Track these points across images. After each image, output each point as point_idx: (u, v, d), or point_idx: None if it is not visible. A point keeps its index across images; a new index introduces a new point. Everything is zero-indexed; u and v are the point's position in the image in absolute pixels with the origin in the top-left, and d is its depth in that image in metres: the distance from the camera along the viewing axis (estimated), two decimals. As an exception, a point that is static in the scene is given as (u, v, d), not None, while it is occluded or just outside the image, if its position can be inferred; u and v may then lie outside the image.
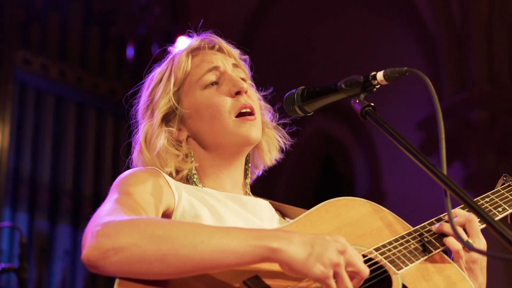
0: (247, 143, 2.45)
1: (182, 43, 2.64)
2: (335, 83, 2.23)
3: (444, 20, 9.39)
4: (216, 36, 2.59)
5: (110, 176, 8.40)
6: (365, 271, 1.89)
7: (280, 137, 2.63)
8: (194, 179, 2.45)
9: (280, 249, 1.83)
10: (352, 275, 1.88)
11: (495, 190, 2.54)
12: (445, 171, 1.95)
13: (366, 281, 1.98)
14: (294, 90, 2.35)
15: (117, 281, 1.84)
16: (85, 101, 8.84)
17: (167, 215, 2.23)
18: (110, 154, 8.74)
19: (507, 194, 2.52)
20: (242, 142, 2.44)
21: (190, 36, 2.61)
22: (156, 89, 2.52)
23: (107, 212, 1.99)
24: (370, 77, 2.16)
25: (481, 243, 2.27)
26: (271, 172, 2.70)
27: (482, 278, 2.32)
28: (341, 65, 9.56)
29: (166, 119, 2.49)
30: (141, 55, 9.34)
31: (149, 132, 2.47)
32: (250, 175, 2.59)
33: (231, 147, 2.45)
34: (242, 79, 2.53)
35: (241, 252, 1.83)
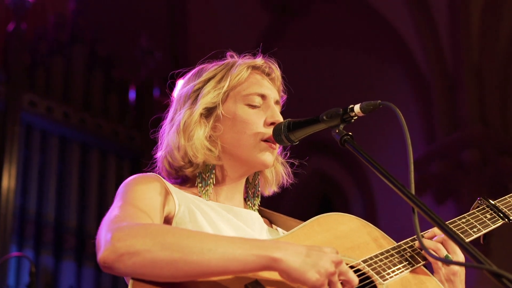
0: (262, 167, 2.59)
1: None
2: (317, 115, 2.42)
3: (436, 63, 9.60)
4: (277, 67, 2.73)
5: (113, 215, 8.39)
6: (355, 280, 2.08)
7: (285, 173, 2.75)
8: (210, 176, 2.56)
9: (280, 259, 2.00)
10: (343, 284, 2.06)
11: (471, 212, 2.70)
12: (413, 191, 2.19)
13: None
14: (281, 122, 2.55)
15: (131, 281, 2.03)
16: (88, 142, 8.95)
17: (167, 220, 2.38)
18: (113, 194, 8.74)
19: (481, 216, 2.66)
20: (257, 165, 2.58)
21: (254, 55, 2.73)
22: (208, 82, 2.62)
23: (119, 217, 2.17)
24: (348, 109, 2.35)
25: (459, 258, 2.45)
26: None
27: None
28: (334, 103, 9.74)
29: (205, 114, 2.59)
30: (142, 98, 9.48)
31: (188, 119, 2.56)
32: (257, 194, 2.70)
33: (246, 164, 2.58)
34: None
35: (245, 261, 2.00)
